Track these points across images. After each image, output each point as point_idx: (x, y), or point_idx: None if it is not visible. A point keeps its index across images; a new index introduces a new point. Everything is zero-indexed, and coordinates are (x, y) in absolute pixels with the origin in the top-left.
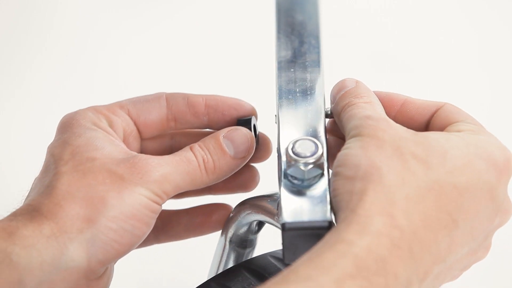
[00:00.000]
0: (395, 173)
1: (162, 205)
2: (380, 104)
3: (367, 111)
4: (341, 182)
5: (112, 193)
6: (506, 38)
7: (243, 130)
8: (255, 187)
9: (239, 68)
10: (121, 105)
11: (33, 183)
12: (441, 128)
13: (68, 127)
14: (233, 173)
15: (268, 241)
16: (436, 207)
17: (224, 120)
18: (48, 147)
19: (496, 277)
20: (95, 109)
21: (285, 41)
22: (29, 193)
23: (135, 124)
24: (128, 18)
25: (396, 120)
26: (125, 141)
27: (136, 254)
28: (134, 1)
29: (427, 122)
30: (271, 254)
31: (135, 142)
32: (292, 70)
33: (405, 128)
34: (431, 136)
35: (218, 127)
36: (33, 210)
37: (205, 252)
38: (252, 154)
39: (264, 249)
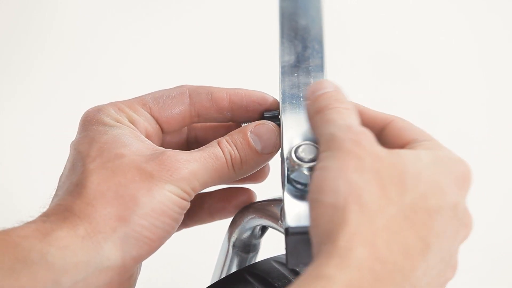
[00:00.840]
0: (375, 200)
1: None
2: (357, 113)
3: (348, 119)
4: (320, 211)
5: (142, 191)
6: (506, 39)
7: (269, 124)
8: (265, 178)
9: (243, 73)
10: (143, 102)
11: (59, 180)
12: (397, 145)
13: (92, 123)
14: (259, 168)
15: (272, 246)
16: (412, 235)
17: (248, 115)
18: (72, 143)
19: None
20: (116, 106)
21: (288, 46)
22: (56, 191)
23: (157, 121)
24: (131, 17)
25: None
26: (147, 138)
27: None
28: (135, 1)
29: (377, 136)
30: (275, 259)
31: (156, 139)
32: (295, 74)
33: (380, 147)
34: (404, 156)
35: (241, 121)
36: (65, 210)
37: (209, 257)
38: (279, 149)
39: (267, 253)
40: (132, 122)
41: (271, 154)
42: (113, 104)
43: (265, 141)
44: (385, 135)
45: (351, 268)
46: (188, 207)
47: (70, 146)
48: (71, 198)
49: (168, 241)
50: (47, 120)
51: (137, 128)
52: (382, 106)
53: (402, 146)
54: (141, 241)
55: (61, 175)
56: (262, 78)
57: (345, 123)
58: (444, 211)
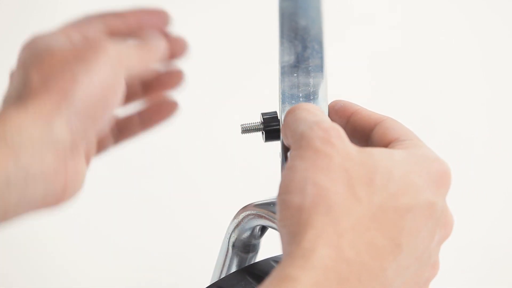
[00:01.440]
0: (341, 201)
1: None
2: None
3: (318, 116)
4: (287, 213)
5: (80, 68)
6: (506, 39)
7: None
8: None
9: (243, 72)
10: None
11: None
12: (381, 144)
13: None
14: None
15: (271, 246)
16: (380, 235)
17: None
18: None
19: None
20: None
21: (288, 46)
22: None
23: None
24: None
25: (346, 131)
26: None
27: (138, 258)
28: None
29: (367, 136)
30: (274, 259)
31: None
32: (295, 75)
33: (351, 144)
34: (375, 154)
35: None
36: (16, 98)
37: (208, 257)
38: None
39: (267, 254)
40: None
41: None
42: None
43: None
44: (372, 135)
45: (316, 269)
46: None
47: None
48: (20, 91)
49: (168, 241)
50: None
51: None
52: (380, 107)
53: (385, 146)
54: (85, 116)
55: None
56: (262, 78)
57: (314, 119)
58: (417, 210)
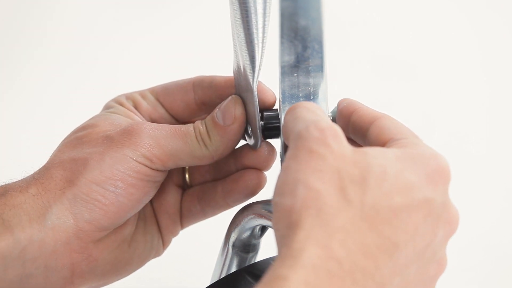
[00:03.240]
0: (332, 202)
1: (160, 173)
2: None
3: (317, 116)
4: (279, 215)
5: (95, 155)
6: (506, 39)
7: (230, 97)
8: (268, 162)
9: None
10: (152, 89)
11: None
12: (377, 143)
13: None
14: (231, 145)
15: (271, 246)
16: (373, 234)
17: None
18: None
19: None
20: (127, 94)
21: (288, 46)
22: None
23: (164, 107)
24: (131, 16)
25: (348, 130)
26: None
27: None
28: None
29: (365, 134)
30: (274, 259)
31: (163, 123)
32: (295, 75)
33: (347, 145)
34: (370, 153)
35: None
36: (29, 177)
37: (208, 257)
38: (241, 122)
39: (267, 254)
40: (136, 106)
41: (234, 125)
42: (127, 93)
43: (223, 112)
44: (368, 134)
45: (305, 268)
46: (155, 176)
47: None
48: (39, 168)
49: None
50: (46, 118)
51: (140, 112)
52: (380, 106)
53: (381, 145)
54: (91, 204)
55: None
56: (262, 78)
57: (313, 118)
58: (413, 208)
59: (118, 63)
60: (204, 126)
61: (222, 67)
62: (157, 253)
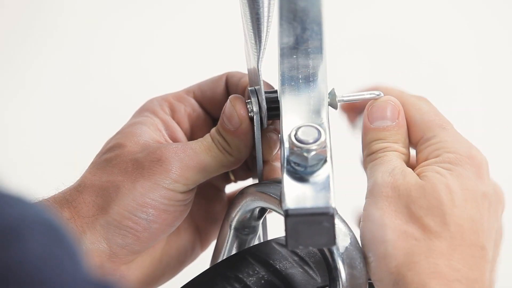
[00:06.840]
0: (419, 242)
1: (190, 193)
2: (406, 135)
3: (392, 164)
4: (376, 265)
5: (126, 182)
6: (506, 37)
7: (227, 102)
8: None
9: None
10: (188, 90)
11: None
12: (412, 141)
13: (133, 115)
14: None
15: (272, 228)
16: (467, 249)
17: None
18: None
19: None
20: (162, 97)
21: (287, 28)
22: None
23: (202, 105)
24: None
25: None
26: (193, 126)
27: None
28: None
29: (416, 143)
30: (276, 241)
31: (201, 122)
32: (294, 56)
33: (414, 181)
34: (431, 181)
35: None
36: (61, 197)
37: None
38: (248, 118)
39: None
40: (173, 110)
41: (243, 125)
42: (160, 96)
43: (228, 118)
44: (426, 149)
45: None
46: (186, 198)
47: None
48: (70, 189)
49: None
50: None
51: (179, 117)
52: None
53: (415, 143)
54: (124, 230)
55: None
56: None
57: (387, 169)
58: (479, 206)
59: (121, 61)
60: (220, 135)
61: (220, 52)
62: (192, 259)
